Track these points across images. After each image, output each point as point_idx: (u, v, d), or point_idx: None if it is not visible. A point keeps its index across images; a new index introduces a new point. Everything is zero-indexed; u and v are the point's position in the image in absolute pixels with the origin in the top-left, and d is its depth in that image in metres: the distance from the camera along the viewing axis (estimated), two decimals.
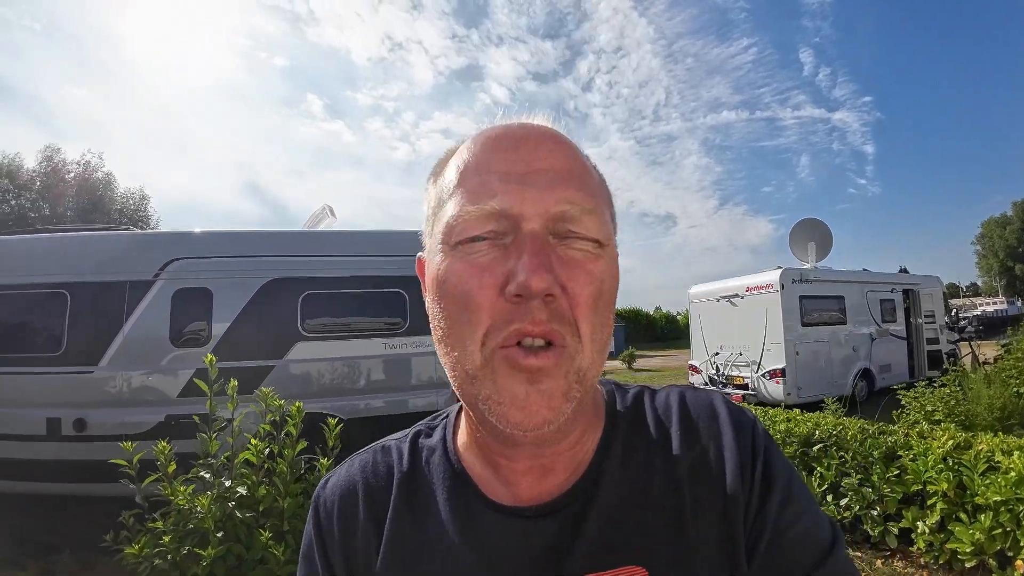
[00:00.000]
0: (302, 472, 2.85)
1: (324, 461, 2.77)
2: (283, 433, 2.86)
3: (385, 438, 0.65)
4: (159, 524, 2.44)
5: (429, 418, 0.66)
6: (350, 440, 2.83)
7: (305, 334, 5.10)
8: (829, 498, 3.86)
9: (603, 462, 0.54)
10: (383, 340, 5.29)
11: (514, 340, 0.44)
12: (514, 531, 0.52)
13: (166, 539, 2.35)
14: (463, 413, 0.59)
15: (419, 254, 0.56)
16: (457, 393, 0.50)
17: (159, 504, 2.61)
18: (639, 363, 21.95)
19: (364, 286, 5.34)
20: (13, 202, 32.35)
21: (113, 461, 2.77)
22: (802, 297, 8.95)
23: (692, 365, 10.66)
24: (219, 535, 2.41)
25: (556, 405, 0.45)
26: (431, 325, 0.50)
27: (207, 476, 2.65)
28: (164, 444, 2.67)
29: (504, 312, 0.44)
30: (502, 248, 0.46)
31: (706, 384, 9.85)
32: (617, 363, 22.81)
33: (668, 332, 41.02)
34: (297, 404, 2.93)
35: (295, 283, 5.17)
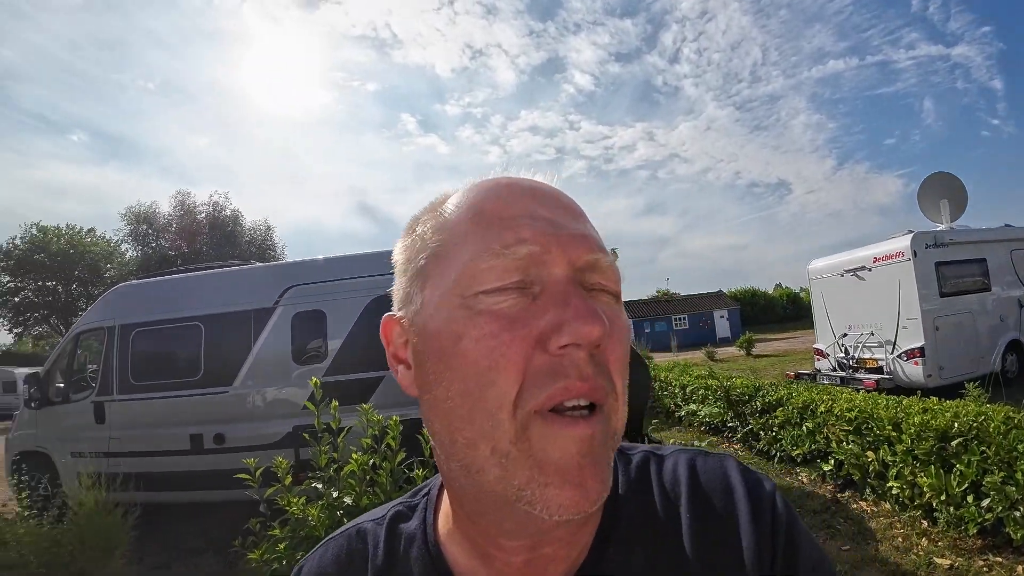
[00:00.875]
0: (402, 481, 3.04)
1: (419, 472, 2.94)
2: (383, 445, 3.07)
3: (363, 517, 0.59)
4: (276, 532, 2.73)
5: (410, 493, 0.59)
6: None
7: None
8: (969, 499, 3.45)
9: (606, 551, 0.48)
10: None
11: (557, 401, 0.38)
12: None
13: (281, 546, 2.63)
14: (444, 492, 0.53)
15: (386, 315, 0.50)
16: (466, 484, 0.43)
17: (280, 512, 2.91)
18: (759, 348, 20.71)
19: None
20: (154, 244, 38.00)
21: (238, 476, 3.12)
22: (938, 264, 7.94)
23: (817, 349, 9.85)
24: None
25: (605, 477, 0.40)
26: (423, 400, 0.44)
27: (319, 487, 2.92)
28: (281, 460, 2.97)
29: (543, 368, 0.39)
30: (529, 298, 0.41)
31: (834, 370, 9.07)
32: (734, 349, 21.69)
33: (790, 312, 38.14)
34: (395, 418, 3.14)
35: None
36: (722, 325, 35.40)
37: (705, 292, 38.51)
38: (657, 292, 46.99)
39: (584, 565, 0.47)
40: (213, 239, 38.15)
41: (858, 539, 3.78)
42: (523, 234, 0.41)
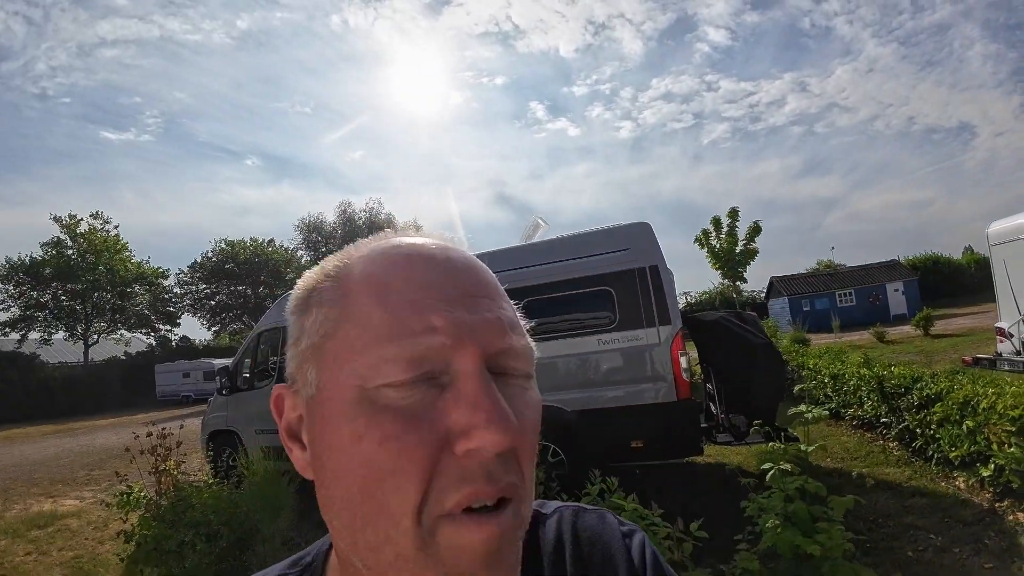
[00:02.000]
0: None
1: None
2: None
3: None
4: None
5: (288, 562, 0.53)
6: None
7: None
8: None
9: None
10: (596, 337, 5.58)
11: (464, 505, 0.36)
12: None
13: None
14: (332, 564, 0.48)
15: (278, 386, 0.46)
16: None
17: None
18: (939, 326, 18.07)
19: (574, 288, 5.71)
20: (323, 249, 43.81)
21: None
22: None
23: (999, 328, 8.45)
24: None
25: (512, 568, 0.39)
26: (319, 492, 0.41)
27: None
28: None
29: (450, 471, 0.36)
30: (438, 389, 0.38)
31: (1018, 354, 7.76)
32: (909, 328, 19.18)
33: (981, 282, 32.42)
34: None
35: (517, 293, 5.75)
36: (896, 300, 31.01)
37: (877, 262, 34.06)
38: (819, 264, 42.75)
39: None
40: None
41: (1006, 557, 3.34)
42: (434, 322, 0.38)
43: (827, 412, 6.59)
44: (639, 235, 5.68)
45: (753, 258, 22.83)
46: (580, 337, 5.64)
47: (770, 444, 3.96)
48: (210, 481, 4.32)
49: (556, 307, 5.77)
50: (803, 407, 3.67)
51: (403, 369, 0.37)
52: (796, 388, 8.01)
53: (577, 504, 0.59)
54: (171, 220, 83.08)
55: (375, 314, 0.39)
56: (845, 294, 32.01)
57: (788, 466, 2.95)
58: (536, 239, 7.14)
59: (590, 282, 5.66)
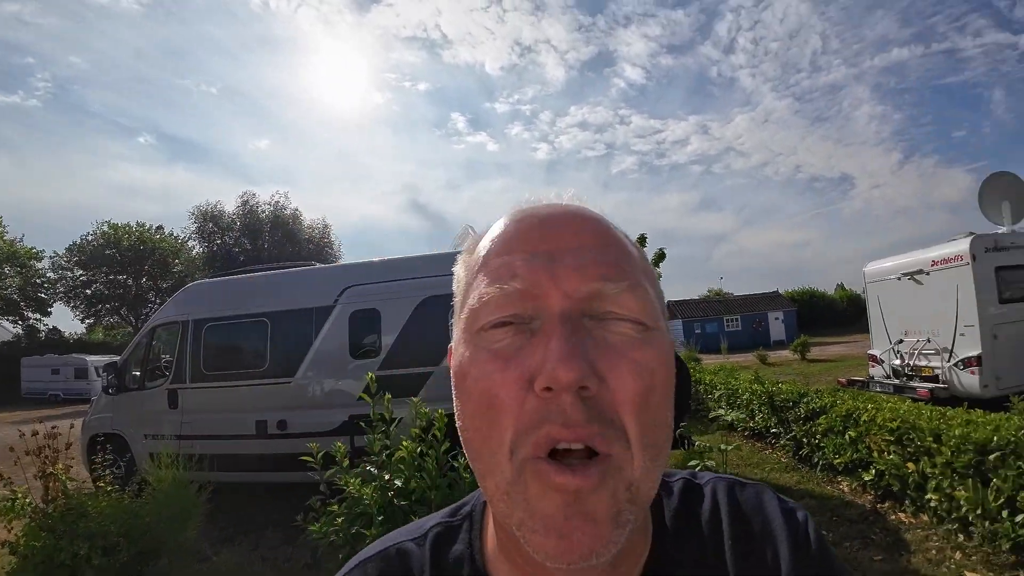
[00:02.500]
0: (447, 468, 3.31)
1: (462, 460, 3.19)
2: (430, 435, 3.34)
3: (399, 535, 0.56)
4: (335, 508, 3.04)
5: (448, 511, 0.57)
6: None
7: None
8: (1004, 514, 3.43)
9: None
10: None
11: (545, 448, 0.38)
12: None
13: (339, 521, 2.93)
14: (490, 512, 0.52)
15: (450, 344, 0.49)
16: (493, 511, 0.45)
17: (338, 491, 3.23)
18: (814, 352, 20.12)
19: None
20: (219, 241, 40.50)
21: (302, 458, 3.46)
22: (999, 268, 7.59)
23: (872, 355, 9.56)
24: (380, 518, 2.94)
25: (604, 533, 0.38)
26: (458, 427, 0.44)
27: (373, 470, 3.22)
28: (340, 445, 3.29)
29: (533, 412, 0.38)
30: (528, 335, 0.40)
31: (888, 377, 8.82)
32: (788, 353, 21.19)
33: (851, 315, 36.45)
34: (440, 411, 3.41)
35: (447, 298, 5.81)
36: (777, 327, 34.29)
37: (760, 293, 37.40)
38: (709, 292, 45.99)
39: None
40: (274, 237, 40.42)
41: (892, 550, 3.78)
42: (517, 269, 0.42)
43: (729, 419, 7.14)
44: None
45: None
46: None
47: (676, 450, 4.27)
48: (108, 489, 3.92)
49: None
50: (721, 410, 3.97)
51: (494, 310, 0.41)
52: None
53: (732, 476, 0.58)
54: (51, 196, 74.52)
55: (481, 268, 0.44)
56: (732, 320, 34.86)
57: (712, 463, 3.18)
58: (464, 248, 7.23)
59: None
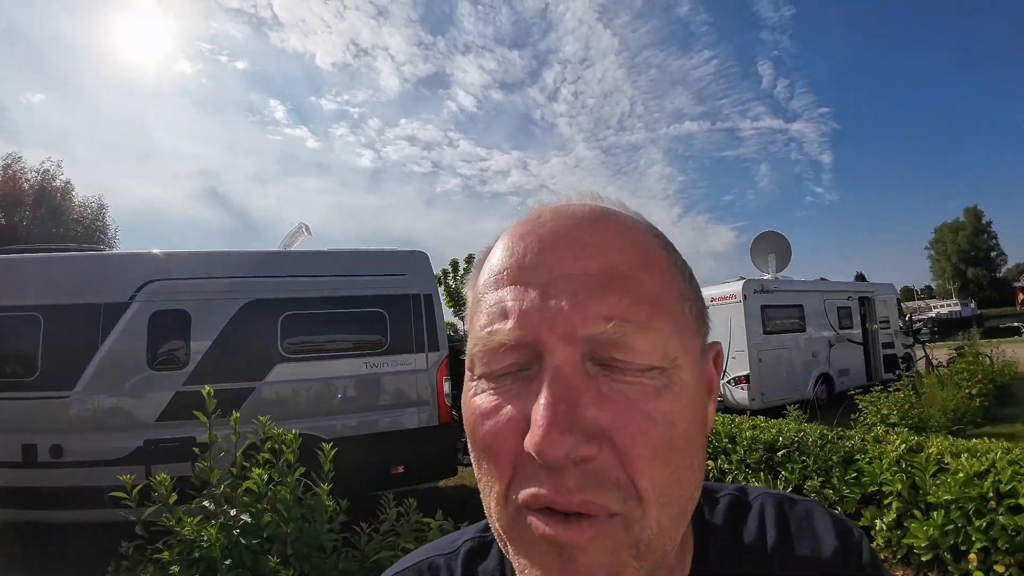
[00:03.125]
0: (300, 496, 2.92)
1: (325, 487, 2.85)
2: (282, 461, 2.92)
3: (432, 549, 0.54)
4: (165, 555, 2.48)
5: (483, 525, 0.53)
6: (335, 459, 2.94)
7: (285, 355, 5.13)
8: None
9: None
10: (364, 360, 5.37)
11: (536, 505, 0.35)
12: None
13: (175, 569, 2.40)
14: None
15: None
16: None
17: (159, 534, 2.64)
18: None
19: (345, 306, 5.41)
20: None
21: (113, 494, 2.78)
22: (764, 306, 9.38)
23: None
24: (227, 562, 2.47)
25: None
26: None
27: (209, 505, 2.70)
28: (164, 476, 2.71)
29: (528, 464, 0.35)
30: (526, 382, 0.36)
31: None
32: None
33: None
34: (293, 431, 3.00)
35: (275, 304, 5.21)
36: None
37: None
38: None
39: None
40: (36, 212, 32.04)
41: None
42: (509, 310, 0.37)
43: None
44: (417, 263, 5.75)
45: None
46: (347, 359, 5.35)
47: None
48: None
49: (322, 325, 5.40)
50: None
51: (490, 360, 0.38)
52: None
53: (782, 493, 0.55)
54: None
55: (479, 303, 0.40)
56: None
57: None
58: (296, 247, 6.55)
59: (363, 302, 5.46)
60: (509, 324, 0.36)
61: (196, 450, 3.01)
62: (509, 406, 0.36)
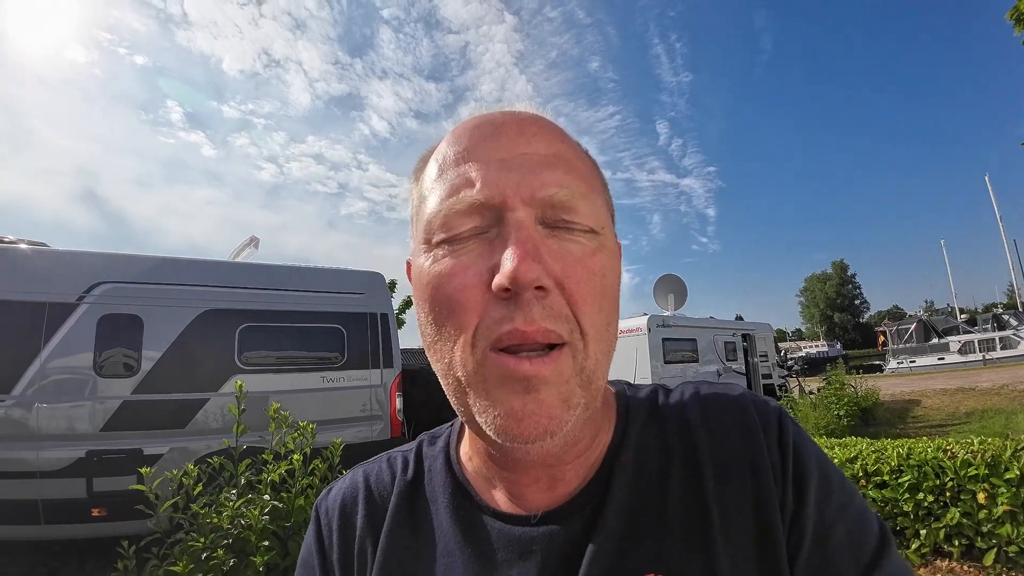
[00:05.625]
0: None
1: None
2: (297, 454, 3.11)
3: (396, 448, 0.63)
4: (200, 542, 2.60)
5: (438, 427, 0.63)
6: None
7: (242, 367, 5.12)
8: None
9: (614, 466, 0.50)
10: (321, 374, 5.49)
11: (506, 342, 0.41)
12: (517, 540, 0.49)
13: (219, 552, 2.55)
14: None
15: (408, 257, 0.52)
16: (452, 404, 0.46)
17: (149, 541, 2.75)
18: None
19: (304, 321, 5.51)
20: None
21: (134, 487, 2.84)
22: (664, 339, 10.57)
23: None
24: (264, 543, 2.66)
25: (557, 414, 0.41)
26: (420, 332, 0.47)
27: (234, 495, 2.84)
28: (191, 467, 2.83)
29: (494, 310, 0.41)
30: (487, 243, 0.43)
31: None
32: None
33: None
34: (311, 426, 3.22)
35: (233, 315, 5.21)
36: None
37: None
38: None
39: (594, 479, 0.50)
40: None
41: None
42: (475, 179, 0.43)
43: None
44: (375, 283, 6.01)
45: (402, 327, 24.75)
46: (304, 373, 5.44)
47: None
48: None
49: (280, 338, 5.45)
50: None
51: (454, 223, 0.43)
52: None
53: (704, 380, 0.59)
54: None
55: (435, 179, 0.46)
56: None
57: None
58: (242, 259, 6.51)
59: (322, 318, 5.60)
60: (476, 187, 0.43)
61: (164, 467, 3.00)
62: (473, 264, 0.42)
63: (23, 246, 4.99)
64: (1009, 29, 6.45)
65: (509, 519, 0.50)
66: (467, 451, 0.56)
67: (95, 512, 4.43)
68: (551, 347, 0.41)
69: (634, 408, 0.55)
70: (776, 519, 0.47)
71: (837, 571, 0.46)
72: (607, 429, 0.53)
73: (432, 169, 0.47)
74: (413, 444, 0.62)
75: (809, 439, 0.52)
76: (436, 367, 0.45)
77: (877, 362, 30.15)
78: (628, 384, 0.60)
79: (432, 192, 0.46)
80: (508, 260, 0.39)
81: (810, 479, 0.48)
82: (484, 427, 0.43)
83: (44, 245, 5.09)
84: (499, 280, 0.40)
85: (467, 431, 0.56)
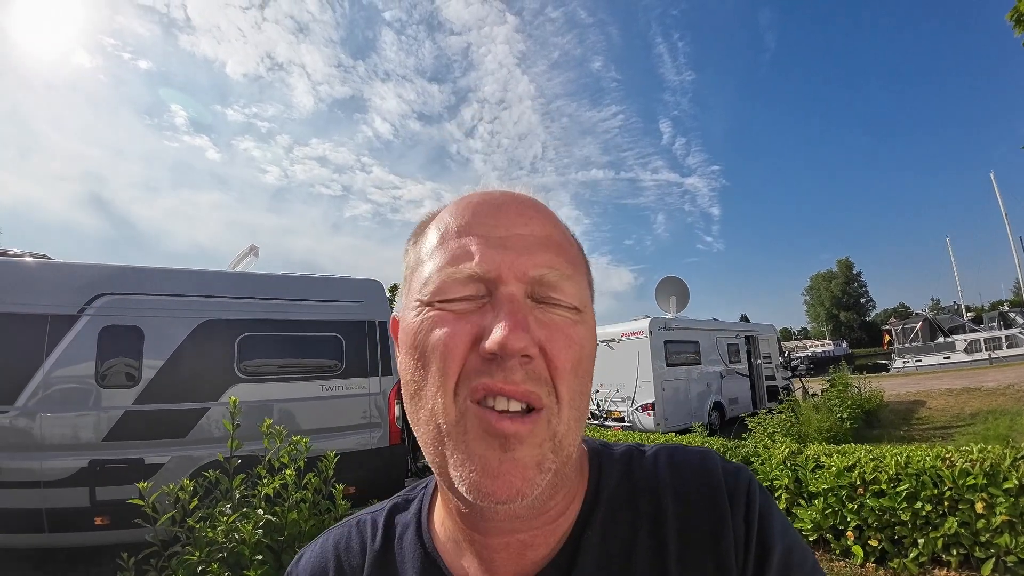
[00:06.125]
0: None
1: (339, 488, 3.12)
2: (292, 466, 3.13)
3: (365, 510, 0.63)
4: (195, 555, 2.63)
5: (408, 488, 0.63)
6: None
7: (241, 376, 5.17)
8: None
9: (582, 537, 0.51)
10: (320, 382, 5.53)
11: (483, 392, 0.43)
12: None
13: (214, 567, 2.58)
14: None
15: (394, 313, 0.55)
16: (427, 457, 0.47)
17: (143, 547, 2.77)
18: None
19: (302, 330, 5.55)
20: None
21: (132, 501, 2.87)
22: (666, 342, 10.54)
23: None
24: (258, 557, 2.68)
25: (530, 476, 0.43)
26: (402, 383, 0.49)
27: (229, 509, 2.87)
28: (187, 482, 2.86)
29: (477, 364, 0.44)
30: (479, 307, 0.46)
31: (590, 418, 11.02)
32: None
33: None
34: (305, 440, 3.23)
35: (232, 324, 5.26)
36: None
37: None
38: None
39: (562, 551, 0.50)
40: None
41: None
42: (474, 253, 0.46)
43: None
44: (373, 291, 6.05)
45: None
46: (303, 381, 5.48)
47: None
48: None
49: (279, 347, 5.49)
50: None
51: (451, 289, 0.46)
52: None
53: (677, 444, 0.60)
54: None
55: (435, 247, 0.49)
56: None
57: None
58: (241, 268, 6.55)
59: (321, 327, 5.64)
60: (475, 260, 0.46)
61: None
62: (464, 321, 0.45)
63: (27, 259, 5.06)
64: (1011, 29, 6.44)
65: None
66: (440, 514, 0.56)
67: (98, 521, 4.50)
68: (529, 410, 0.44)
69: (607, 470, 0.56)
70: None
71: None
72: (579, 494, 0.54)
73: (432, 236, 0.50)
74: (385, 506, 0.62)
75: (777, 510, 0.53)
76: (418, 417, 0.46)
77: (883, 362, 29.97)
78: (604, 444, 0.60)
79: (431, 258, 0.49)
80: (499, 329, 0.42)
81: (773, 551, 0.50)
82: (457, 482, 0.44)
83: (46, 257, 5.15)
84: (488, 344, 0.42)
85: (439, 495, 0.56)
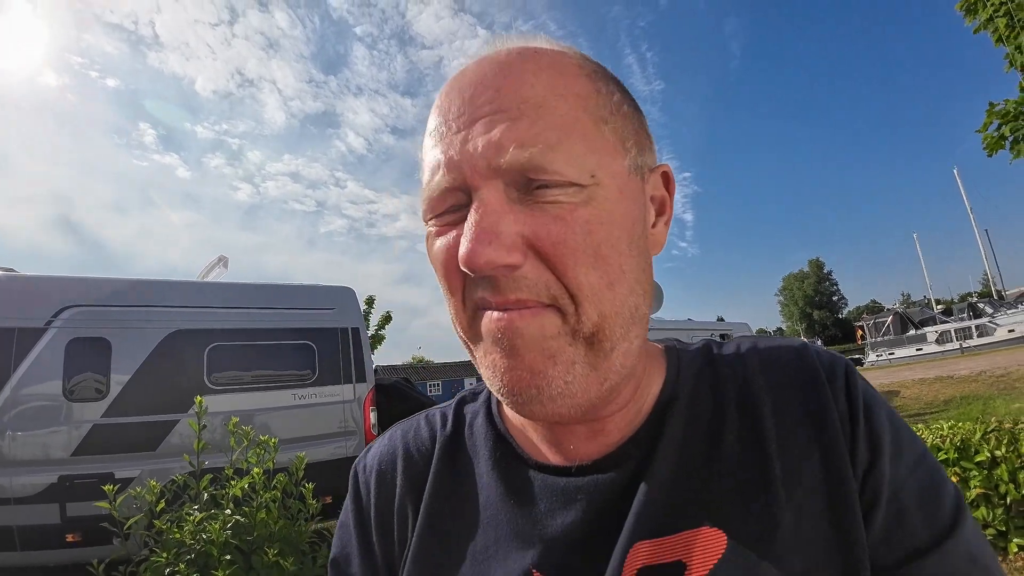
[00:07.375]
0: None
1: (309, 486, 3.15)
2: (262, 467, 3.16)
3: (434, 406, 0.63)
4: (163, 557, 2.64)
5: (478, 383, 0.61)
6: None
7: (212, 387, 5.11)
8: None
9: (665, 415, 0.48)
10: (293, 391, 5.48)
11: (482, 305, 0.42)
12: (560, 490, 0.48)
13: (181, 566, 2.59)
14: None
15: None
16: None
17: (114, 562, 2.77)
18: None
19: (273, 338, 5.51)
20: None
21: (98, 504, 2.87)
22: None
23: None
24: (226, 557, 2.70)
25: (540, 369, 0.41)
26: None
27: (195, 510, 2.88)
28: (153, 483, 2.88)
29: (471, 280, 0.42)
30: (463, 215, 0.41)
31: None
32: None
33: None
34: (273, 440, 3.26)
35: (201, 335, 5.21)
36: None
37: (455, 361, 41.19)
38: (412, 359, 48.35)
39: (638, 432, 0.48)
40: None
41: None
42: (442, 161, 0.42)
43: None
44: (345, 298, 6.02)
45: (381, 343, 24.54)
46: (275, 390, 5.44)
47: None
48: None
49: (249, 357, 5.45)
50: None
51: (435, 206, 0.44)
52: None
53: (767, 335, 0.56)
54: None
55: (423, 157, 0.47)
56: (434, 384, 37.49)
57: None
58: (211, 278, 6.53)
59: (292, 335, 5.60)
60: (440, 174, 0.42)
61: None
62: (452, 234, 0.43)
63: None
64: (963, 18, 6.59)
65: (552, 470, 0.49)
66: (507, 410, 0.56)
67: (70, 538, 4.42)
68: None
69: (686, 360, 0.53)
70: (848, 471, 0.44)
71: (910, 536, 0.43)
72: (656, 381, 0.51)
73: (425, 142, 0.46)
74: (452, 401, 0.62)
75: (878, 393, 0.49)
76: (452, 324, 0.47)
77: (857, 356, 30.55)
78: (678, 340, 0.58)
79: (423, 169, 0.46)
80: (462, 247, 0.39)
81: (883, 433, 0.46)
82: (488, 383, 0.44)
83: (12, 271, 5.10)
84: (461, 265, 0.40)
85: None
